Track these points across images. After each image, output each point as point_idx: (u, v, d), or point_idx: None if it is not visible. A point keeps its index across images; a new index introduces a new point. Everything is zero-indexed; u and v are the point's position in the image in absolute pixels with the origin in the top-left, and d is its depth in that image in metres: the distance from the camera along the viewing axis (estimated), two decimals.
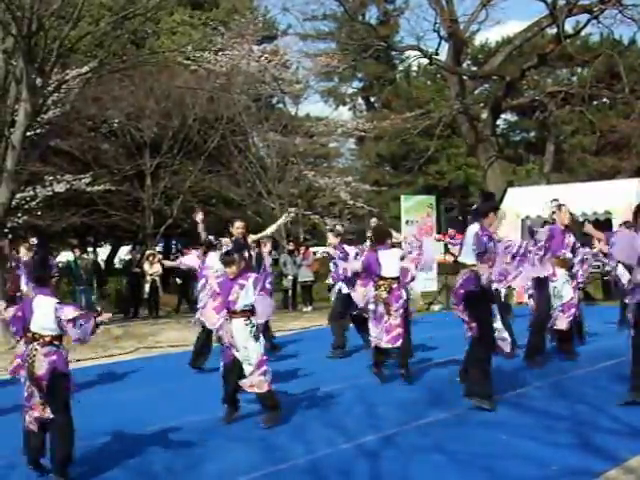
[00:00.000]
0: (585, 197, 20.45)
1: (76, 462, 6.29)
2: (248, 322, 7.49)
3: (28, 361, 6.02)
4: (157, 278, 20.84)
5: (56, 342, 6.08)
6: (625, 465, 5.90)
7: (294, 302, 22.13)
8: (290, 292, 22.10)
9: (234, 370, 7.53)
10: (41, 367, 5.98)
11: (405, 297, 9.47)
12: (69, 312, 6.00)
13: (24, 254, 13.28)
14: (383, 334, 9.28)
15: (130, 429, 7.55)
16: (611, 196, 20.39)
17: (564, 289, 10.31)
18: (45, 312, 6.03)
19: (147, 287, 20.68)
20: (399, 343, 9.29)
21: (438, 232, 21.70)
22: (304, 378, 10.09)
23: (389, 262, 9.46)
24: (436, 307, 19.76)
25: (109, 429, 7.51)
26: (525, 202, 21.39)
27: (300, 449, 6.67)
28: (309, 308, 21.36)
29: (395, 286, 9.37)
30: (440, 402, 8.15)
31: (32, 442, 6.11)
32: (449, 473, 5.91)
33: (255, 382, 7.43)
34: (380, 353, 9.48)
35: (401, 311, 9.33)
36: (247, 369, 7.46)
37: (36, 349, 6.01)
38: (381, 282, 9.43)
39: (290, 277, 21.88)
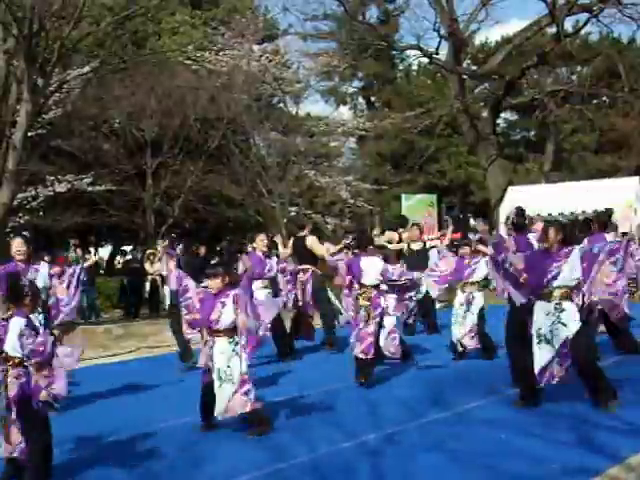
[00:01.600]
0: (585, 195, 20.50)
1: (78, 461, 6.35)
2: (232, 340, 7.22)
3: (3, 383, 5.88)
4: (158, 277, 20.82)
5: (26, 364, 5.89)
6: (626, 463, 5.92)
7: None
8: None
9: (213, 392, 7.31)
10: (12, 389, 5.83)
11: (383, 305, 9.43)
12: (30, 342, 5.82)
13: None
14: (357, 342, 9.29)
15: (132, 428, 7.58)
16: (611, 194, 20.44)
17: None
18: (12, 334, 5.86)
19: (148, 286, 20.70)
20: (372, 353, 9.24)
21: (439, 231, 21.78)
22: (305, 377, 10.11)
23: (370, 270, 9.42)
24: (437, 305, 19.72)
25: (111, 428, 7.55)
26: (525, 201, 21.40)
27: (302, 448, 6.69)
28: None
29: (374, 294, 9.36)
30: (440, 401, 8.18)
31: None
32: (450, 471, 5.93)
33: (238, 403, 7.11)
34: (361, 363, 9.39)
35: (377, 319, 9.32)
36: (229, 388, 7.13)
37: (7, 370, 5.86)
38: (361, 290, 9.42)
39: None
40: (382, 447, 6.61)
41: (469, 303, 10.75)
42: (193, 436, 7.27)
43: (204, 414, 7.44)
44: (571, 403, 7.72)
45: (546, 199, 21.28)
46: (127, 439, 7.28)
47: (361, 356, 9.27)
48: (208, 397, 7.29)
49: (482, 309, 10.73)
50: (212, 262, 7.92)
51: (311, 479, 5.95)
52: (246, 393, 7.12)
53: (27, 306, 6.06)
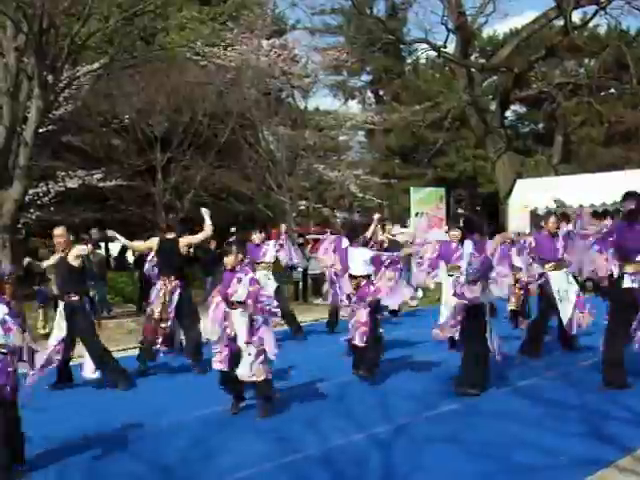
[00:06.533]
0: (594, 188, 20.45)
1: (89, 454, 6.44)
2: (244, 312, 7.55)
3: None
4: None
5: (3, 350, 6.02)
6: (636, 454, 5.97)
7: (305, 294, 22.24)
8: (300, 284, 22.21)
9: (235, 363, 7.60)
10: None
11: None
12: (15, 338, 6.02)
13: None
14: (354, 330, 9.23)
15: (144, 422, 7.65)
16: (620, 186, 20.34)
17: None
18: None
19: None
20: (365, 340, 9.09)
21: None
22: (315, 369, 10.10)
23: (357, 261, 9.41)
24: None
25: (123, 422, 7.61)
26: (534, 193, 21.41)
27: (313, 440, 6.76)
28: (319, 300, 21.45)
29: (363, 283, 9.30)
30: (450, 393, 8.22)
31: None
32: (460, 462, 6.00)
33: (254, 371, 7.50)
34: (355, 352, 9.44)
35: (368, 309, 9.18)
36: (247, 359, 7.51)
37: None
38: (351, 280, 9.45)
39: (300, 269, 21.96)
40: (393, 439, 6.67)
41: None
42: (204, 428, 7.34)
43: (232, 390, 7.86)
44: (581, 395, 7.77)
45: (555, 192, 21.26)
46: (140, 432, 7.35)
47: (356, 343, 9.22)
48: (231, 372, 7.62)
49: None
50: (228, 241, 8.09)
51: (322, 471, 6.01)
52: (262, 362, 7.56)
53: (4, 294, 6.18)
